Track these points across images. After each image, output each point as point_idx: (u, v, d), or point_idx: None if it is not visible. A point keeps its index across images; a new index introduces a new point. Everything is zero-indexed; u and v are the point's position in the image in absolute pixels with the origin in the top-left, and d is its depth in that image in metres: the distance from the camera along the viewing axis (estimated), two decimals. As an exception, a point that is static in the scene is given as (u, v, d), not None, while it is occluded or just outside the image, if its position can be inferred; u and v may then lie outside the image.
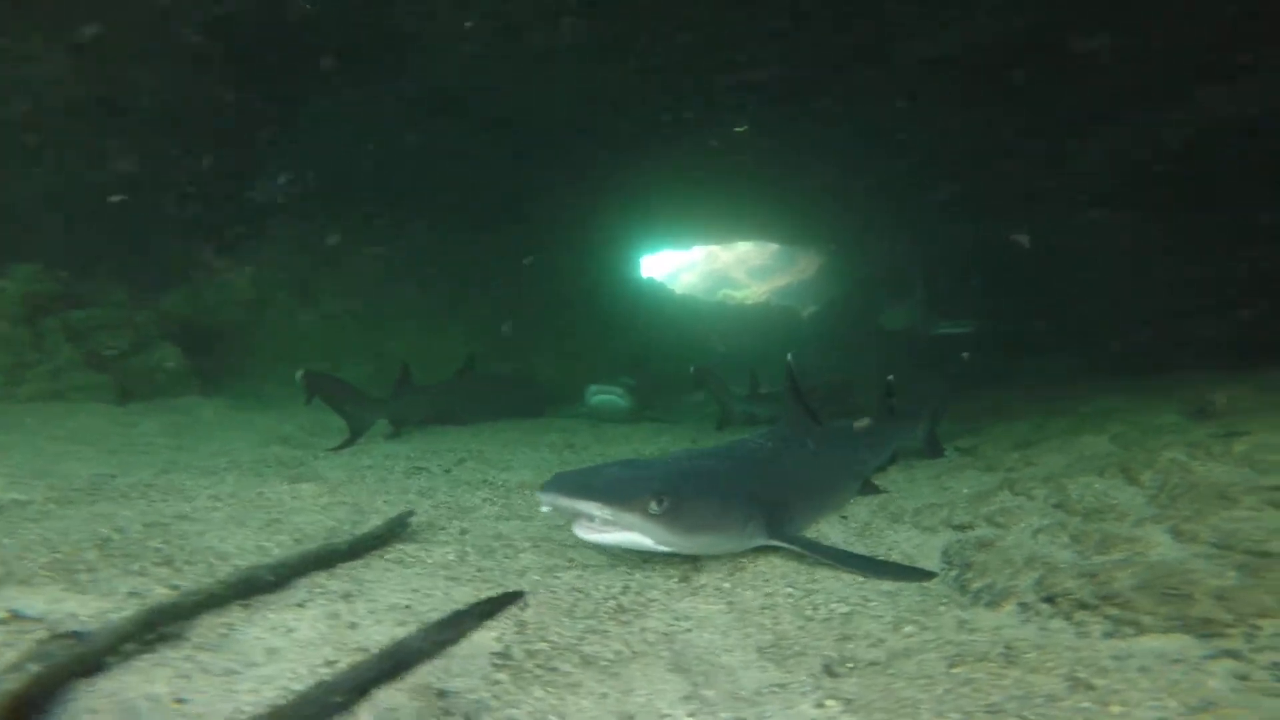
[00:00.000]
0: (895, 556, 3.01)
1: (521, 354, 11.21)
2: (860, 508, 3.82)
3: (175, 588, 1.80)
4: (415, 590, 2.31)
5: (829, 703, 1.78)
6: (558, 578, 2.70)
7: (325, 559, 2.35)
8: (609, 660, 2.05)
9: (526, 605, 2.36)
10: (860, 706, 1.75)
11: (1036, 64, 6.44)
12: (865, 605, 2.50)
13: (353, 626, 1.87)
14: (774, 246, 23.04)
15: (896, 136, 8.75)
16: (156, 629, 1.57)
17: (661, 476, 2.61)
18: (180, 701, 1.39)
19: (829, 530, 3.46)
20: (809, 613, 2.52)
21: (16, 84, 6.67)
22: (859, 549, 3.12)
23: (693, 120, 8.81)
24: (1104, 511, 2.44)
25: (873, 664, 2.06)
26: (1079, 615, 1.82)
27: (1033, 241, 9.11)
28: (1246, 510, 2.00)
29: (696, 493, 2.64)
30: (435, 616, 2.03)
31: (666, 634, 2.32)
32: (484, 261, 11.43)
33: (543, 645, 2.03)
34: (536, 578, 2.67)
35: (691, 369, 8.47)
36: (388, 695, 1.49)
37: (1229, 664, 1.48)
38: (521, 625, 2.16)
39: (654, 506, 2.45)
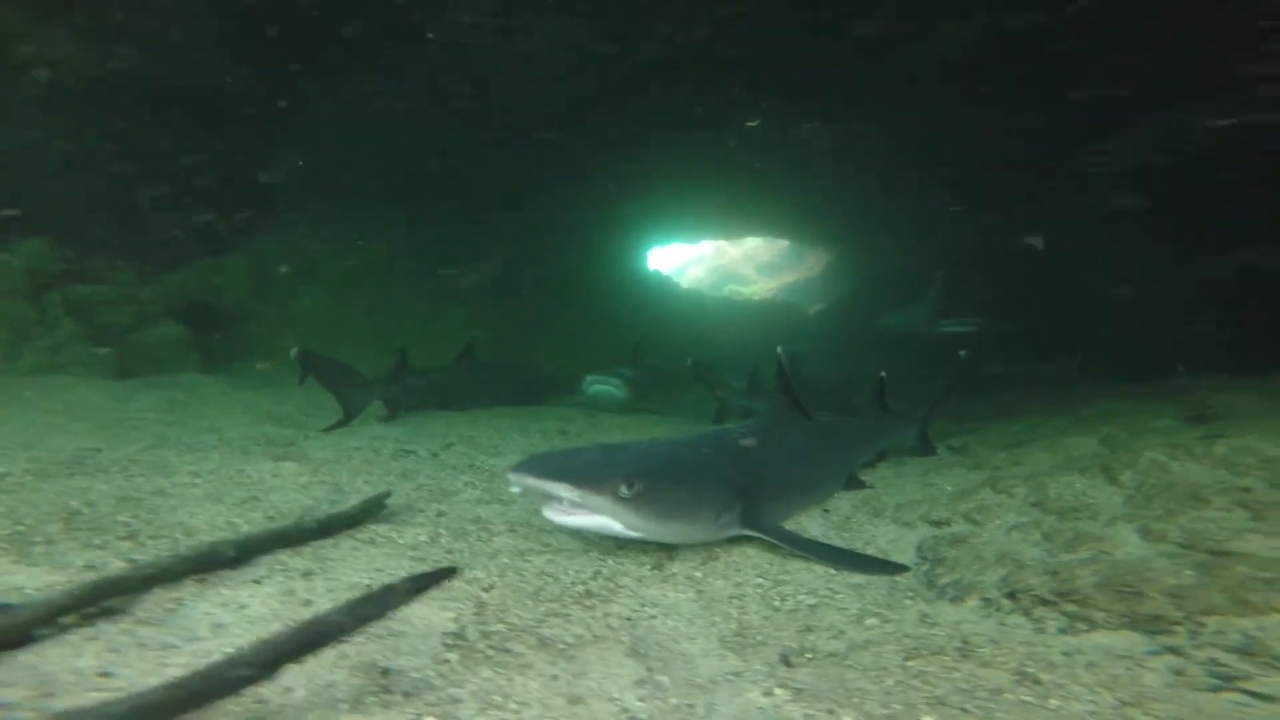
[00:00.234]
0: (871, 550, 2.99)
1: (524, 343, 11.24)
2: (843, 502, 3.79)
3: (134, 562, 1.82)
4: (379, 570, 2.32)
5: (778, 691, 1.78)
6: (528, 561, 2.70)
7: (293, 537, 2.36)
8: (567, 644, 2.05)
9: (493, 587, 2.37)
10: (809, 696, 1.74)
11: (1043, 63, 6.31)
12: (832, 597, 2.48)
13: (307, 604, 1.88)
14: (783, 243, 22.87)
15: (905, 135, 8.63)
16: (97, 603, 1.58)
17: (634, 460, 2.60)
18: (105, 675, 1.40)
19: (809, 523, 3.44)
20: (776, 603, 2.51)
21: (29, 63, 6.73)
22: (837, 542, 3.10)
23: (702, 115, 8.74)
24: (1079, 510, 2.40)
25: (831, 655, 2.05)
26: (1038, 611, 1.79)
27: (1043, 243, 8.96)
28: (1216, 510, 1.96)
29: (669, 479, 2.62)
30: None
31: (630, 619, 2.32)
32: (489, 251, 11.45)
33: (499, 627, 2.03)
34: (506, 560, 2.68)
35: (689, 362, 8.45)
36: (325, 671, 1.50)
37: (1169, 660, 1.46)
38: (481, 606, 2.17)
39: (624, 490, 2.44)
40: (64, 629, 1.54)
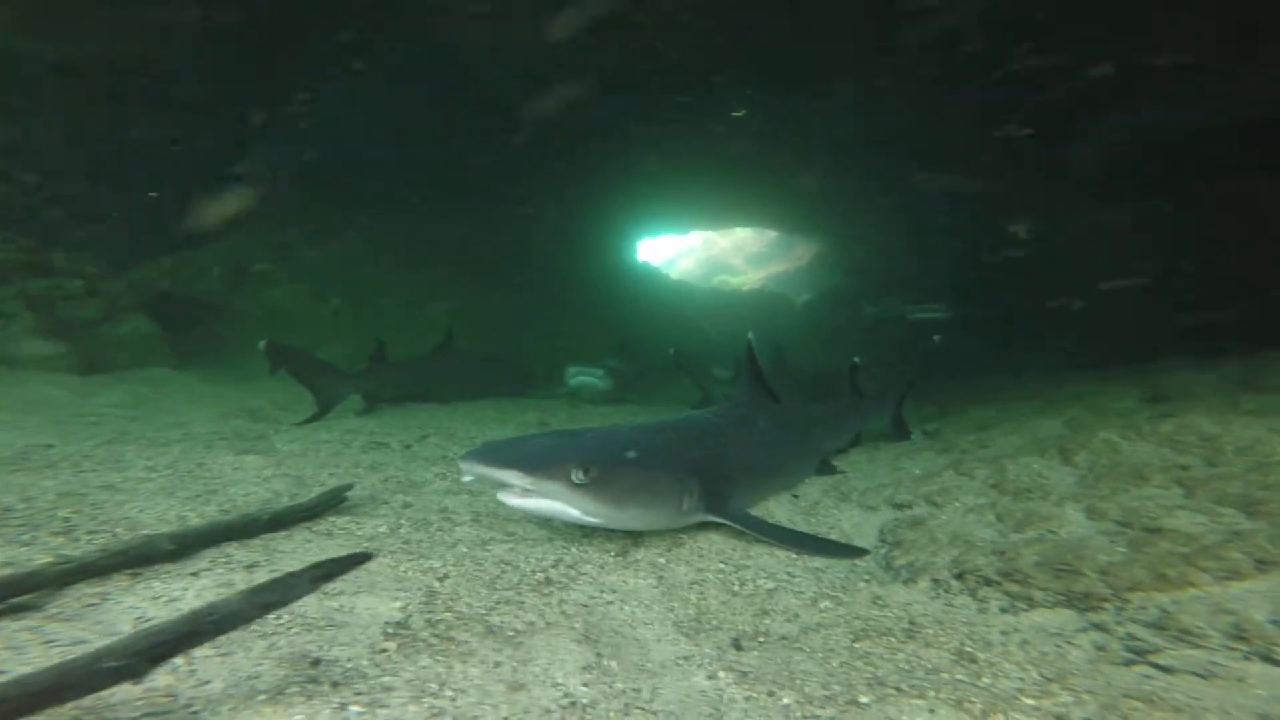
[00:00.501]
0: (835, 534, 2.99)
1: (509, 334, 11.17)
2: (813, 487, 3.80)
3: (65, 558, 1.76)
4: (330, 560, 2.28)
5: (722, 674, 1.77)
6: (488, 550, 2.67)
7: (240, 529, 2.31)
8: (516, 631, 2.02)
9: (448, 575, 2.34)
10: (752, 678, 1.73)
11: (1029, 53, 6.30)
12: (791, 581, 2.48)
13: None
14: (771, 234, 22.85)
15: (890, 125, 8.62)
16: (4, 599, 1.52)
17: (590, 446, 2.57)
18: None
19: (778, 508, 3.44)
20: (735, 588, 2.50)
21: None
22: (803, 527, 3.10)
23: (691, 105, 8.67)
24: (1033, 491, 2.41)
25: (783, 638, 2.05)
26: (983, 591, 1.80)
27: (1026, 231, 9.03)
28: (1154, 488, 1.97)
29: (626, 464, 2.59)
30: (338, 586, 2.01)
31: (587, 606, 2.30)
32: (471, 243, 11.34)
33: (446, 615, 2.00)
34: (465, 550, 2.65)
35: (671, 352, 8.44)
36: (250, 663, 1.46)
37: (1095, 636, 1.47)
38: (431, 595, 2.14)
39: (578, 476, 2.41)
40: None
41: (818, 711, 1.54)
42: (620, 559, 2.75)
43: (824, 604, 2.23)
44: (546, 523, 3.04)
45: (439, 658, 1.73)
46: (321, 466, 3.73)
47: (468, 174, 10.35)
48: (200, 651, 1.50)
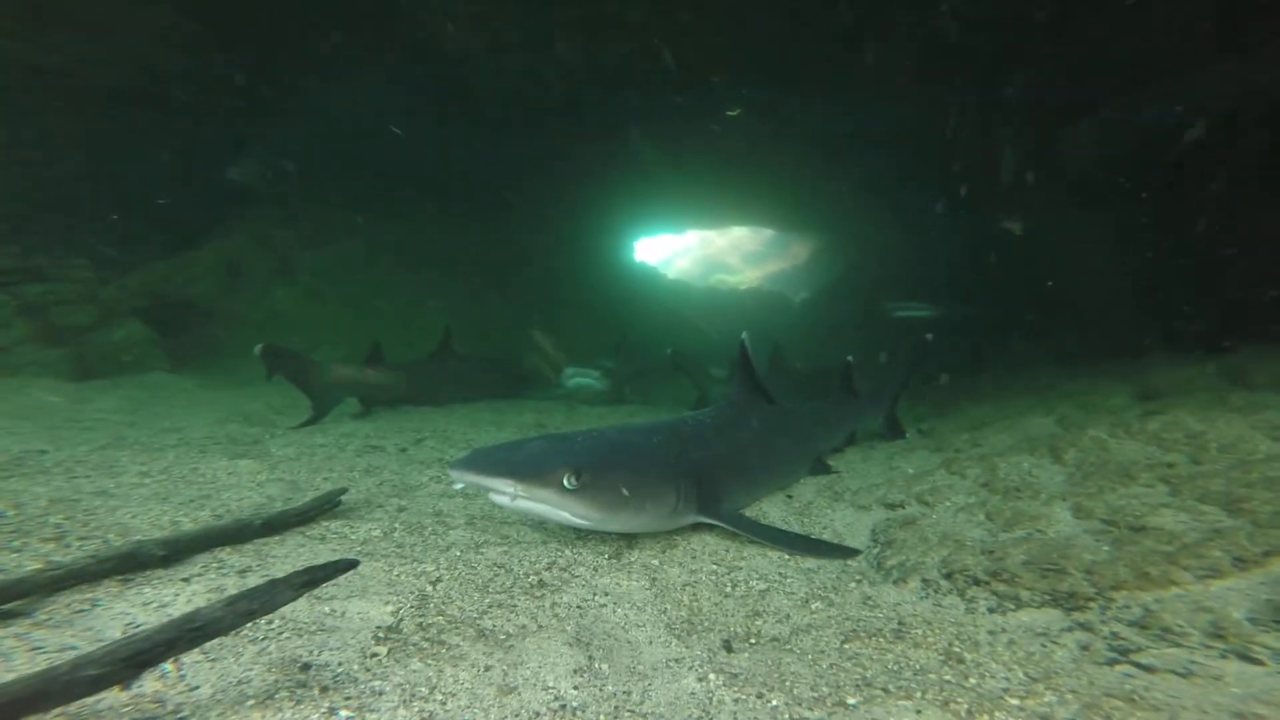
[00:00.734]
0: (827, 535, 3.00)
1: (507, 336, 11.17)
2: (807, 487, 3.81)
3: (54, 564, 1.77)
4: (322, 565, 2.28)
5: (712, 676, 1.78)
6: (481, 553, 2.68)
7: (232, 534, 2.32)
8: (508, 634, 2.03)
9: (440, 579, 2.35)
10: (742, 680, 1.74)
11: (1022, 50, 6.32)
12: (783, 582, 2.49)
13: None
14: (768, 232, 22.87)
15: (884, 124, 8.64)
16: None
17: (580, 451, 2.57)
18: None
19: (771, 508, 3.45)
20: (728, 590, 2.51)
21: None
22: (797, 527, 3.11)
23: (685, 105, 8.68)
24: (1022, 490, 2.42)
25: (774, 639, 2.06)
26: (971, 591, 1.81)
27: (1017, 229, 9.06)
28: (1140, 486, 1.99)
29: (618, 468, 2.60)
30: (330, 591, 2.02)
31: (580, 609, 2.31)
32: (469, 244, 11.35)
33: (438, 619, 2.01)
34: (459, 553, 2.66)
35: (668, 352, 8.45)
36: (239, 668, 1.47)
37: (1080, 635, 1.48)
38: (423, 599, 2.15)
39: (569, 481, 2.41)
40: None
41: (805, 713, 1.55)
42: (614, 561, 2.76)
43: (815, 605, 2.24)
44: (541, 525, 3.05)
45: (430, 662, 1.74)
46: (316, 471, 3.73)
47: (464, 175, 10.35)
48: (189, 657, 1.51)
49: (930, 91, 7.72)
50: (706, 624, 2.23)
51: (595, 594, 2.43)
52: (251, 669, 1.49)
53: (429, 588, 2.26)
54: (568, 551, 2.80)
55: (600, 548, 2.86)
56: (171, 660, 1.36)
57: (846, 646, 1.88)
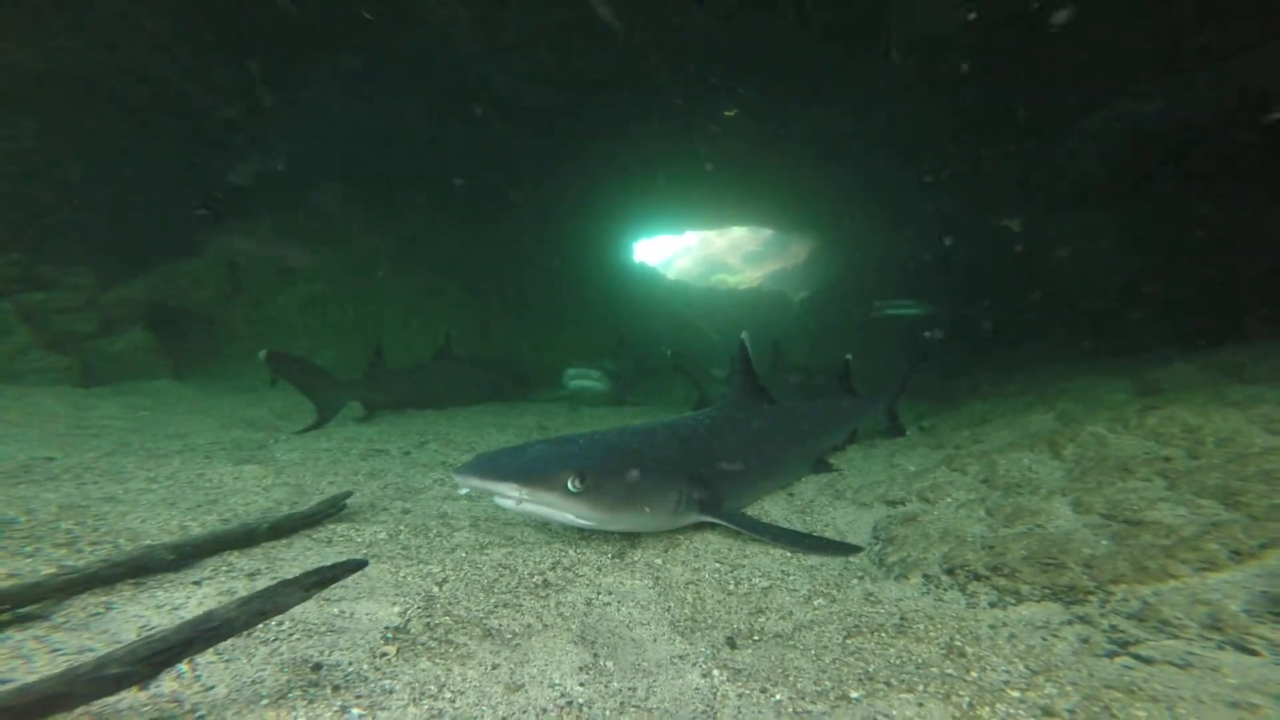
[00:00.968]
0: (829, 532, 3.02)
1: (507, 338, 11.20)
2: (809, 485, 3.83)
3: (68, 569, 1.79)
4: (330, 567, 2.31)
5: (716, 672, 1.80)
6: (486, 554, 2.70)
7: (240, 538, 2.35)
8: (514, 633, 2.06)
9: (446, 580, 2.37)
10: (746, 675, 1.76)
11: (1021, 50, 6.34)
12: (785, 579, 2.51)
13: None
14: (767, 232, 22.90)
15: (883, 123, 8.67)
16: (10, 609, 1.55)
17: (582, 453, 2.60)
18: (5, 683, 1.36)
19: (773, 507, 3.47)
20: (731, 587, 2.53)
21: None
22: (799, 525, 3.13)
23: (684, 106, 8.72)
24: (1022, 485, 2.45)
25: (777, 636, 2.08)
26: (972, 586, 1.83)
27: (1018, 227, 9.09)
28: (1139, 481, 2.01)
29: (620, 469, 2.62)
30: (339, 592, 2.04)
31: (585, 608, 2.33)
32: (469, 247, 11.37)
33: (445, 619, 2.04)
34: (464, 554, 2.68)
35: (668, 353, 8.48)
36: (252, 668, 1.49)
37: (1079, 629, 1.50)
38: (430, 600, 2.17)
39: (574, 484, 2.44)
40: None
41: (809, 707, 1.57)
42: (617, 560, 2.78)
43: (818, 601, 2.26)
44: (544, 526, 3.07)
45: (438, 661, 1.76)
46: (321, 475, 3.76)
47: (464, 177, 10.38)
48: (204, 658, 1.53)
49: (926, 91, 7.75)
50: (710, 621, 2.25)
51: (599, 593, 2.45)
52: (264, 669, 1.51)
53: (435, 589, 2.28)
54: (571, 552, 2.83)
55: (603, 548, 2.88)
56: (187, 661, 1.38)
57: (849, 642, 1.90)
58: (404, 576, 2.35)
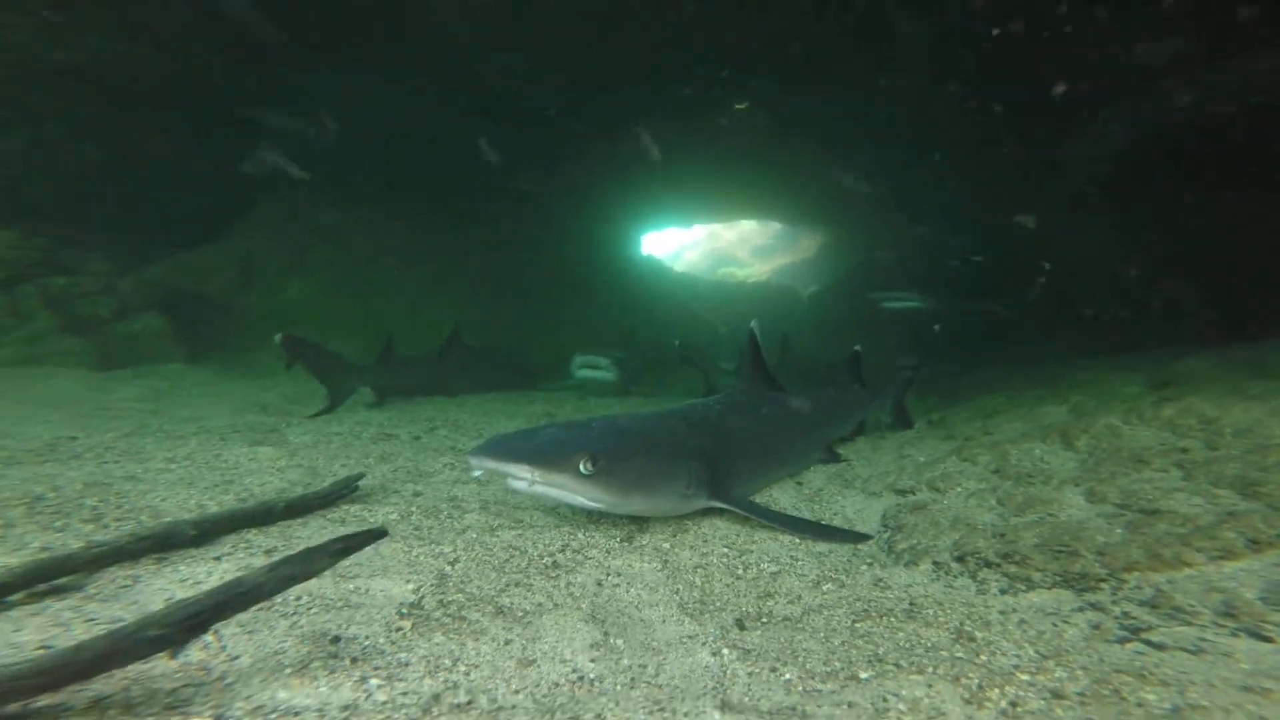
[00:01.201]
0: (839, 520, 3.03)
1: (515, 329, 11.24)
2: (817, 474, 3.84)
3: (97, 543, 1.85)
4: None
5: (726, 651, 1.82)
6: (496, 536, 2.74)
7: (258, 516, 2.39)
8: (525, 611, 2.09)
9: (458, 560, 2.41)
10: (755, 655, 1.78)
11: (1029, 44, 6.23)
12: (794, 565, 2.53)
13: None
14: (776, 226, 22.72)
15: (892, 118, 8.56)
16: (45, 581, 1.61)
17: (595, 437, 2.62)
18: (45, 648, 1.42)
19: (782, 495, 3.49)
20: (739, 572, 2.55)
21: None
22: (807, 513, 3.15)
23: (692, 98, 8.65)
24: (1034, 475, 2.44)
25: (786, 618, 2.10)
26: (983, 573, 1.83)
27: (1032, 224, 8.98)
28: (1154, 471, 1.99)
29: (631, 453, 2.64)
30: (354, 570, 2.08)
31: (594, 589, 2.36)
32: (478, 238, 11.40)
33: (458, 596, 2.07)
34: (475, 535, 2.72)
35: (676, 344, 8.47)
36: (274, 640, 1.53)
37: (1090, 615, 1.50)
38: (443, 578, 2.21)
39: (585, 467, 2.46)
40: (9, 606, 1.57)
41: (818, 686, 1.59)
42: (626, 544, 2.80)
43: (826, 586, 2.28)
44: (553, 509, 3.10)
45: (452, 635, 1.80)
46: (333, 457, 3.81)
47: (472, 170, 10.39)
48: (228, 630, 1.58)
49: (936, 87, 7.63)
50: (719, 604, 2.27)
51: (609, 575, 2.48)
52: (286, 641, 1.55)
53: (447, 567, 2.32)
54: (580, 535, 2.86)
55: (612, 531, 2.91)
56: (213, 633, 1.42)
57: (858, 625, 1.92)
58: (417, 555, 2.39)
